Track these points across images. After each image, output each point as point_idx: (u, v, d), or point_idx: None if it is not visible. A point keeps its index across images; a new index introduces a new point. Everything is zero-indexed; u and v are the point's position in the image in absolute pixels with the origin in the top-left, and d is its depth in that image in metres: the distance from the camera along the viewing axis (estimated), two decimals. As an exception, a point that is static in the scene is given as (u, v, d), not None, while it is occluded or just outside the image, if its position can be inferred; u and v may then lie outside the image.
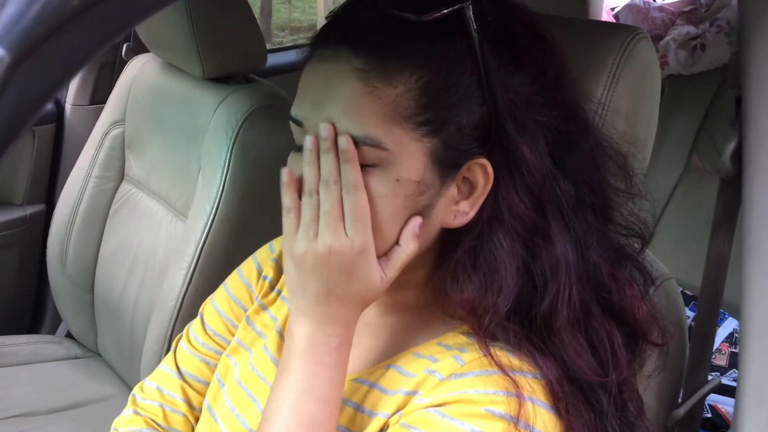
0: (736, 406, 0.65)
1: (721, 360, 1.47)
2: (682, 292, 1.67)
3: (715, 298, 0.77)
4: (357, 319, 0.63)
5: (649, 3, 1.79)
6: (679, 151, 1.72)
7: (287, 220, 0.62)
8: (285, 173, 0.61)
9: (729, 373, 1.39)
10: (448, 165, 0.61)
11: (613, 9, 1.93)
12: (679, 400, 0.80)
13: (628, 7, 1.80)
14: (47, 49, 0.23)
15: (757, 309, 0.60)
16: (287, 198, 0.62)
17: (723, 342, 1.51)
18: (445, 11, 0.58)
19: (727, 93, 0.70)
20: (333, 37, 0.61)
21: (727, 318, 1.52)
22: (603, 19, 1.84)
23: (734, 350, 1.40)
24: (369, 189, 0.59)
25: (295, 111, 0.63)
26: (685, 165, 1.73)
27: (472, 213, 0.62)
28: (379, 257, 0.61)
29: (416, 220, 0.61)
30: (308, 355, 0.62)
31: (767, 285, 0.59)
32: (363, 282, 0.61)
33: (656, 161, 1.72)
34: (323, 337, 0.62)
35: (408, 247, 0.61)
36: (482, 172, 0.61)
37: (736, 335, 1.43)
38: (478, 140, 0.61)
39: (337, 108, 0.59)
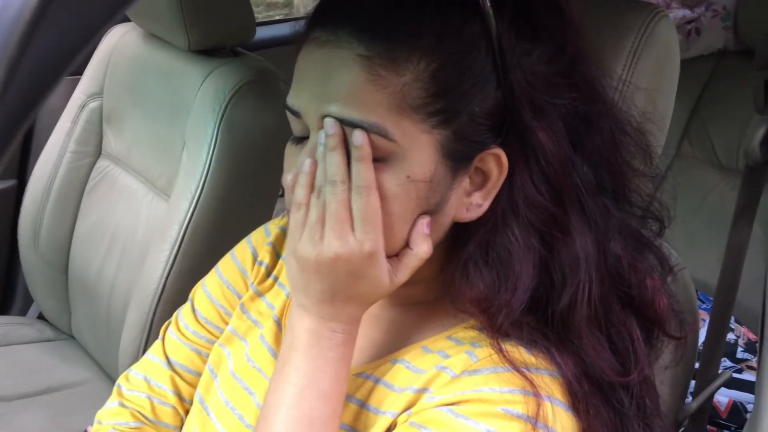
0: (756, 406, 0.63)
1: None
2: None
3: (731, 289, 0.75)
4: (362, 314, 0.60)
5: (644, -15, 1.76)
6: (669, 137, 1.70)
7: (296, 217, 0.57)
8: (307, 164, 0.56)
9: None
10: (459, 158, 0.57)
11: (605, -9, 1.89)
12: (689, 392, 0.78)
13: (622, -11, 1.77)
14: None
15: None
16: (301, 192, 0.56)
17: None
18: None
19: (755, 76, 0.67)
20: (332, 19, 0.55)
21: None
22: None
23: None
24: (380, 187, 0.55)
25: (291, 101, 0.58)
26: (676, 151, 1.71)
27: (486, 205, 0.58)
28: (389, 257, 0.57)
29: (424, 221, 0.57)
30: (312, 349, 0.58)
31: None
32: (371, 284, 0.57)
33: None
34: (327, 333, 0.58)
35: (420, 250, 0.57)
36: (496, 162, 0.57)
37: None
38: (492, 129, 0.56)
39: (339, 99, 0.54)
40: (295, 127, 0.59)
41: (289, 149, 0.60)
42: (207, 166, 1.16)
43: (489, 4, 0.54)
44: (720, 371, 0.84)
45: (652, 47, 0.73)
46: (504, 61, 0.55)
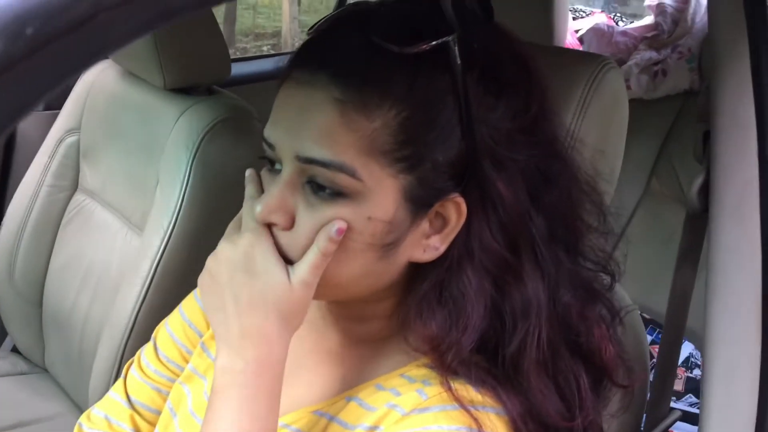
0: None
1: (677, 385, 1.48)
2: (640, 316, 1.70)
3: (678, 330, 0.77)
4: (281, 337, 0.59)
5: (612, 27, 1.82)
6: (638, 174, 1.74)
7: None
8: None
9: (685, 398, 1.40)
10: (420, 203, 0.59)
11: (577, 31, 1.95)
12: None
13: (592, 30, 1.82)
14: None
15: (721, 350, 0.60)
16: None
17: (679, 366, 1.52)
18: (431, 44, 0.56)
19: (695, 127, 0.70)
20: (311, 61, 0.58)
21: (683, 342, 1.53)
22: (568, 41, 1.86)
23: (690, 375, 1.42)
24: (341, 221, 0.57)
25: (268, 133, 0.60)
26: (645, 188, 1.75)
27: (443, 248, 0.60)
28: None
29: (336, 225, 0.56)
30: (228, 390, 0.58)
31: (732, 326, 0.59)
32: (264, 278, 0.58)
33: (617, 184, 1.74)
34: (240, 365, 0.58)
35: (320, 247, 0.57)
36: (455, 209, 0.59)
37: (693, 359, 1.45)
38: (454, 178, 0.59)
39: (311, 136, 0.57)
40: (269, 155, 0.61)
41: (264, 177, 0.63)
42: (179, 202, 1.18)
43: (459, 60, 0.57)
44: (683, 408, 0.85)
45: (601, 97, 0.76)
46: (469, 115, 0.57)
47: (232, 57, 1.39)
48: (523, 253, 0.60)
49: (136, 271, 1.19)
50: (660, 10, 1.72)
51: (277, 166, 0.60)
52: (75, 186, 1.42)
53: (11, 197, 1.47)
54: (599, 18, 2.02)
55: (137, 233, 1.28)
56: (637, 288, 1.54)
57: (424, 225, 0.60)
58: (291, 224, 0.59)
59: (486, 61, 0.59)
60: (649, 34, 1.75)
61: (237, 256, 0.58)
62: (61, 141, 1.42)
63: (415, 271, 0.62)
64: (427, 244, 0.61)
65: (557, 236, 0.62)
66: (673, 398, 1.47)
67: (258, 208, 0.59)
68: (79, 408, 1.38)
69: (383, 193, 0.57)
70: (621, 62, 1.75)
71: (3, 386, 1.42)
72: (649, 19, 1.80)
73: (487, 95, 0.58)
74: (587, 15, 2.13)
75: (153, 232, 1.19)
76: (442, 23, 0.57)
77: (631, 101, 1.87)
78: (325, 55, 0.58)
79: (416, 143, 0.57)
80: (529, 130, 0.60)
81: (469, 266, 0.59)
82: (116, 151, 1.34)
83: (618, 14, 2.13)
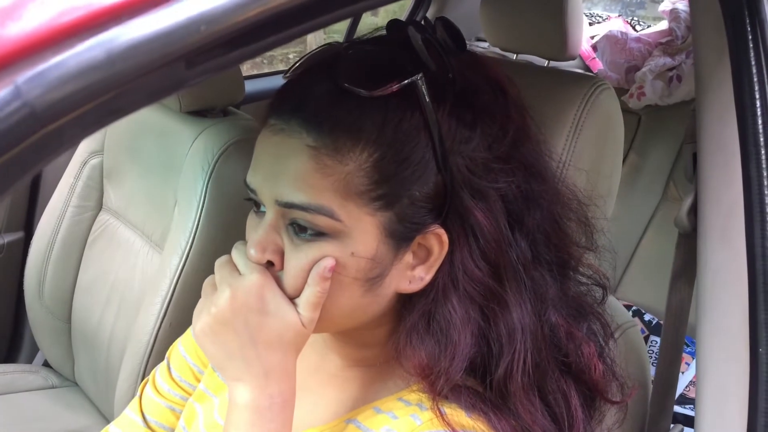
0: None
1: (693, 392, 1.47)
2: (657, 323, 1.69)
3: (676, 348, 0.77)
4: (294, 367, 0.61)
5: (626, 34, 1.81)
6: (656, 179, 1.74)
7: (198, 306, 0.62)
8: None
9: (703, 405, 1.39)
10: (401, 237, 0.60)
11: (592, 38, 1.95)
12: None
13: (606, 37, 1.82)
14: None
15: (711, 369, 0.61)
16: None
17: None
18: (397, 86, 0.57)
19: (685, 149, 0.71)
20: (285, 110, 0.60)
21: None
22: (583, 48, 1.86)
23: (709, 382, 1.40)
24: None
25: (249, 179, 0.62)
26: (663, 193, 1.74)
27: (428, 278, 0.62)
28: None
29: (325, 263, 0.58)
30: (254, 425, 0.59)
31: (720, 346, 0.60)
32: (279, 318, 0.59)
33: (634, 189, 1.74)
34: (266, 402, 0.60)
35: (315, 288, 0.59)
36: (437, 240, 0.60)
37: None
38: (432, 211, 0.60)
39: (288, 182, 0.58)
40: (254, 198, 0.63)
41: (251, 219, 0.65)
42: (196, 221, 1.21)
43: (428, 98, 0.57)
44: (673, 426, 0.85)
45: (595, 118, 0.77)
46: (443, 149, 0.58)
47: (259, 65, 1.42)
48: (507, 279, 0.61)
49: (156, 290, 1.23)
50: (674, 15, 1.71)
51: (262, 209, 0.62)
52: (99, 206, 1.47)
53: (40, 216, 1.52)
54: (615, 23, 2.01)
55: (158, 252, 1.32)
56: (656, 292, 1.53)
57: (408, 257, 0.61)
58: (282, 264, 0.61)
59: (459, 93, 0.59)
60: (663, 40, 1.74)
61: (251, 300, 0.58)
62: (85, 163, 1.47)
63: (405, 301, 0.64)
64: (413, 276, 0.62)
65: (542, 257, 0.63)
66: (690, 405, 1.46)
67: (252, 251, 0.60)
68: (107, 420, 1.42)
69: (364, 231, 0.59)
70: (636, 68, 1.75)
71: (35, 399, 1.47)
72: (663, 25, 1.79)
73: (461, 127, 0.59)
74: (604, 20, 2.12)
75: (172, 251, 1.23)
76: (411, 61, 0.58)
77: (647, 107, 1.88)
78: (296, 103, 0.59)
79: (391, 182, 0.58)
80: (508, 156, 0.61)
81: (454, 295, 0.61)
82: (137, 172, 1.39)
83: (635, 18, 2.12)
